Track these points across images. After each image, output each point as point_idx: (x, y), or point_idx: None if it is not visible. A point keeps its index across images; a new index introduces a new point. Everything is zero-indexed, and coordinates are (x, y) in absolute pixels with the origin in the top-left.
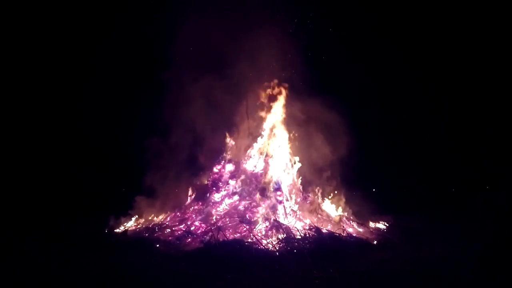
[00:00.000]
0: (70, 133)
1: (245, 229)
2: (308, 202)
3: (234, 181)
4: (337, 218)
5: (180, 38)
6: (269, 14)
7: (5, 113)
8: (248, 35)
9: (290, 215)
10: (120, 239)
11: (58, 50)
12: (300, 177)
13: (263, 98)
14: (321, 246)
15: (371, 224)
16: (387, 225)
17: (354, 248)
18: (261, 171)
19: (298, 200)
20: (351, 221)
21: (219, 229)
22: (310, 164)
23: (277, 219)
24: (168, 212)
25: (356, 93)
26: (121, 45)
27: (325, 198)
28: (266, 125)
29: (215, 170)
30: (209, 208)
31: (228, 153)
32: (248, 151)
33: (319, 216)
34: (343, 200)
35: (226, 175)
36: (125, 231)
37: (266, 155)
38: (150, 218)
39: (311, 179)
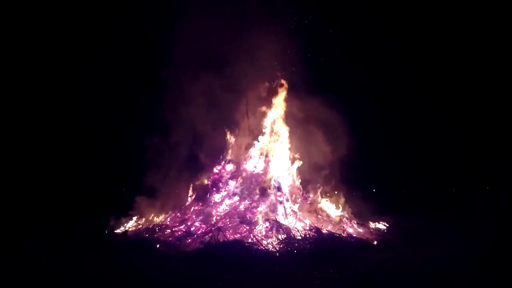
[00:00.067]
0: (70, 133)
1: (245, 229)
2: (308, 202)
3: (234, 182)
4: (337, 219)
5: (180, 37)
6: (268, 12)
7: (5, 113)
8: (247, 34)
9: (290, 215)
10: (120, 240)
11: (58, 50)
12: (300, 177)
13: (263, 97)
14: (321, 247)
15: (371, 225)
16: (387, 225)
17: (354, 248)
18: (261, 172)
19: (298, 200)
20: (351, 222)
21: (219, 229)
22: (310, 164)
23: (277, 220)
24: (168, 212)
25: (356, 93)
26: (120, 44)
27: (325, 199)
28: (266, 125)
29: (215, 170)
30: (209, 208)
31: (229, 151)
32: (249, 150)
33: (319, 216)
34: (343, 200)
35: (226, 176)
36: (125, 232)
37: (266, 155)
38: (150, 218)
39: (311, 179)
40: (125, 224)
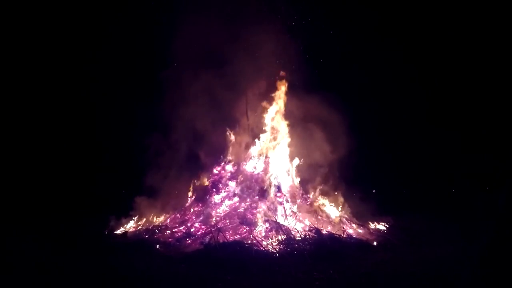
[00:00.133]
0: (70, 133)
1: (245, 230)
2: (308, 203)
3: (234, 183)
4: (337, 219)
5: (180, 36)
6: (268, 12)
7: (4, 113)
8: (247, 33)
9: (290, 216)
10: (120, 241)
11: (58, 50)
12: (300, 178)
13: (263, 96)
14: (321, 247)
15: (371, 225)
16: (387, 226)
17: (354, 249)
18: (261, 172)
19: (298, 201)
20: (351, 222)
21: (219, 230)
22: (310, 165)
23: (277, 221)
24: (168, 213)
25: (356, 93)
26: (120, 44)
27: (325, 199)
28: (266, 125)
29: (215, 171)
30: (209, 209)
31: (229, 151)
32: (249, 149)
33: (319, 217)
34: (343, 201)
35: (226, 177)
36: (125, 233)
37: (266, 156)
38: (150, 219)
39: (311, 180)
40: (125, 225)
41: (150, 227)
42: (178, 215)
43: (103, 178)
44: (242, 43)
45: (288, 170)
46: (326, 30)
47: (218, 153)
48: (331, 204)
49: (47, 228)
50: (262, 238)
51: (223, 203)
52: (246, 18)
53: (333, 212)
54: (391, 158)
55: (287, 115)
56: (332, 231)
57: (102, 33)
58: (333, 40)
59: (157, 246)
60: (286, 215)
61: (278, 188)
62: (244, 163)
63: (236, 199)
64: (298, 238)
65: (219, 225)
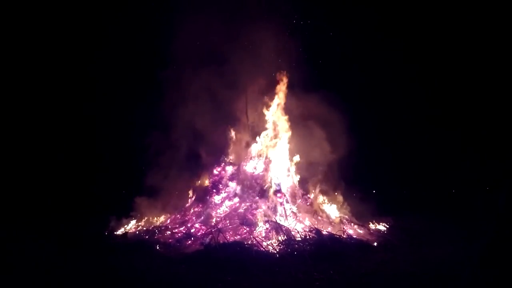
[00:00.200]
0: (71, 134)
1: (245, 231)
2: (308, 204)
3: (234, 183)
4: (337, 220)
5: (180, 35)
6: (268, 10)
7: (4, 113)
8: (247, 32)
9: (290, 216)
10: (120, 241)
11: (58, 50)
12: (300, 179)
13: (263, 95)
14: (322, 248)
15: (371, 226)
16: (387, 226)
17: (354, 249)
18: (261, 173)
19: (298, 201)
20: (351, 223)
21: (219, 231)
22: (310, 165)
23: (277, 221)
24: (169, 214)
25: (356, 93)
26: (120, 44)
27: (325, 200)
28: (267, 122)
29: (215, 172)
30: (209, 210)
31: (229, 151)
32: (249, 149)
33: (319, 217)
34: (343, 201)
35: (226, 177)
36: (126, 233)
37: (266, 157)
38: (150, 220)
39: (311, 181)
40: (125, 226)
41: (150, 228)
42: (178, 215)
43: (103, 178)
44: (242, 41)
45: (288, 170)
46: (326, 29)
47: (218, 153)
48: (331, 204)
49: (47, 228)
50: (262, 238)
51: (223, 203)
52: (246, 17)
53: (333, 213)
54: (391, 158)
55: (287, 114)
56: (332, 232)
57: (102, 32)
58: (333, 39)
59: (157, 246)
60: (286, 216)
61: (278, 189)
62: (244, 163)
63: (236, 199)
64: (298, 239)
65: (219, 225)
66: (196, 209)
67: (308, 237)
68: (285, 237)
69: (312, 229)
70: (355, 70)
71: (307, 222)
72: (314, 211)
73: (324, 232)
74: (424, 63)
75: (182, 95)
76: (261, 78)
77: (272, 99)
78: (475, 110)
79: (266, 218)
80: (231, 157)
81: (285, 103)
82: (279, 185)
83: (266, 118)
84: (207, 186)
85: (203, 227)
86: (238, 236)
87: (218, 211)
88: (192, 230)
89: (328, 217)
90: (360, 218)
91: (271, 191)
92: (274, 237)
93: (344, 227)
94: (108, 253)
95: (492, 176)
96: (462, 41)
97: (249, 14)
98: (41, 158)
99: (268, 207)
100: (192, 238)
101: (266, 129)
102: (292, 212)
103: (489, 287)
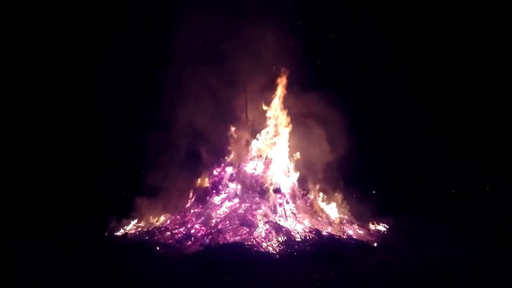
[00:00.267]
0: (71, 134)
1: (245, 231)
2: (308, 204)
3: (234, 184)
4: (337, 220)
5: (180, 34)
6: (268, 9)
7: (4, 113)
8: (247, 30)
9: (290, 217)
10: (120, 242)
11: (57, 50)
12: (300, 178)
13: (263, 94)
14: (322, 249)
15: (371, 226)
16: (387, 227)
17: (354, 250)
18: (261, 174)
19: (298, 202)
20: (351, 223)
21: (219, 232)
22: (310, 165)
23: (277, 222)
24: (169, 214)
25: (356, 93)
26: (119, 43)
27: (325, 200)
28: (267, 119)
29: (215, 172)
30: (209, 211)
31: (230, 146)
32: (249, 148)
33: (319, 218)
34: (343, 202)
35: (226, 178)
36: (125, 234)
37: (266, 157)
38: (150, 220)
39: (311, 181)
40: (125, 226)
41: (150, 229)
42: (178, 216)
43: (103, 178)
44: (242, 40)
45: (288, 171)
46: (326, 28)
47: (219, 152)
48: (331, 204)
49: (47, 229)
50: (262, 239)
51: (223, 204)
52: (246, 15)
53: (333, 213)
54: (391, 158)
55: (287, 113)
56: (332, 232)
57: (101, 31)
58: (333, 39)
59: (157, 247)
60: (286, 216)
61: (278, 189)
62: (244, 164)
63: (236, 200)
64: (298, 239)
65: (219, 226)
66: (196, 210)
67: (308, 237)
68: (285, 237)
69: (312, 229)
70: (355, 70)
71: (307, 222)
72: (314, 211)
73: (324, 233)
74: (424, 63)
75: (182, 94)
76: (261, 77)
77: (272, 97)
78: (475, 110)
79: (266, 219)
80: (231, 157)
81: (285, 102)
82: (279, 185)
83: (267, 115)
84: (207, 186)
85: (203, 228)
86: (238, 237)
87: (218, 211)
88: (192, 231)
89: (328, 217)
90: (360, 219)
91: (271, 191)
92: (274, 237)
93: (344, 227)
94: (108, 253)
95: (492, 176)
96: (462, 41)
97: (249, 13)
98: (41, 158)
99: (268, 207)
100: (192, 239)
101: (266, 126)
102: (292, 212)
103: (489, 287)
